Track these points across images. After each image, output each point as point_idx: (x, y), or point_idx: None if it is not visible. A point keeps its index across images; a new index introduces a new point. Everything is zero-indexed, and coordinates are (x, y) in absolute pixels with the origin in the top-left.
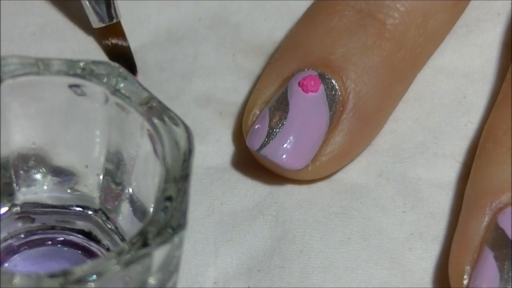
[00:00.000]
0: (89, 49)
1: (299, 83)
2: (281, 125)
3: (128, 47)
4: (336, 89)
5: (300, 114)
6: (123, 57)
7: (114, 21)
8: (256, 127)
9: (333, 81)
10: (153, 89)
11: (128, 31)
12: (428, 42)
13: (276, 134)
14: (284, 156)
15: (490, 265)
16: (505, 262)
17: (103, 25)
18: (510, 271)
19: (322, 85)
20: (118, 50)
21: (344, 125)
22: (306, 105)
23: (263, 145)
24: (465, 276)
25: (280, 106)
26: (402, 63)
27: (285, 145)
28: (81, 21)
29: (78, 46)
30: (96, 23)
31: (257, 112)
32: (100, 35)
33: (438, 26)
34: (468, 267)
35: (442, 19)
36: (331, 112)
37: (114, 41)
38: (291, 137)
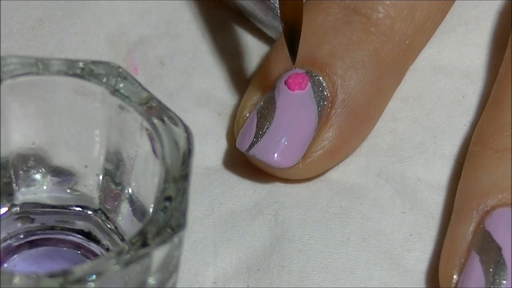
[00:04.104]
0: (88, 43)
1: (285, 82)
2: (269, 125)
3: (300, 31)
4: (323, 85)
5: (288, 112)
6: (292, 38)
7: None
8: (245, 128)
9: (320, 78)
10: (153, 83)
11: (127, 24)
12: (417, 33)
13: (264, 133)
14: (272, 154)
15: (476, 269)
16: (491, 265)
17: None
18: (495, 275)
19: (309, 82)
20: (292, 29)
21: (334, 120)
22: (293, 104)
23: (251, 145)
24: (453, 281)
25: (268, 106)
26: (390, 56)
27: (273, 144)
28: (80, 14)
29: (77, 40)
30: None
31: (247, 115)
32: (280, 8)
33: (426, 16)
34: (456, 272)
35: (430, 10)
36: (319, 109)
37: (291, 18)
38: (279, 136)
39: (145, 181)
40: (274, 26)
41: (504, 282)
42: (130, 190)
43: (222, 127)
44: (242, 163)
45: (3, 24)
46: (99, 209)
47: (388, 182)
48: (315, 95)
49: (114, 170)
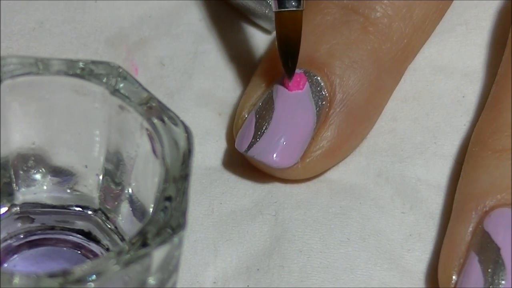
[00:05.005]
0: (88, 46)
1: (283, 82)
2: (267, 125)
3: (299, 43)
4: (321, 85)
5: (286, 113)
6: (290, 51)
7: (299, 8)
8: (244, 129)
9: (318, 78)
10: (153, 83)
11: (127, 25)
12: (415, 32)
13: (263, 134)
14: (271, 155)
15: (475, 270)
16: (490, 266)
17: (285, 9)
18: (494, 275)
19: (307, 82)
20: (290, 41)
21: (333, 120)
22: (291, 104)
23: (250, 146)
24: (452, 282)
25: (266, 107)
26: (389, 55)
27: (271, 144)
28: (81, 17)
29: (78, 41)
30: (278, 6)
31: (246, 115)
32: (276, 20)
33: (425, 15)
34: (455, 273)
35: (428, 8)
36: (317, 109)
37: (289, 30)
38: (277, 136)
39: (145, 181)
40: (268, 17)
41: (503, 282)
42: (130, 190)
43: (222, 127)
44: (242, 163)
45: (4, 25)
46: (99, 209)
47: (388, 182)
48: (314, 95)
49: (114, 170)
